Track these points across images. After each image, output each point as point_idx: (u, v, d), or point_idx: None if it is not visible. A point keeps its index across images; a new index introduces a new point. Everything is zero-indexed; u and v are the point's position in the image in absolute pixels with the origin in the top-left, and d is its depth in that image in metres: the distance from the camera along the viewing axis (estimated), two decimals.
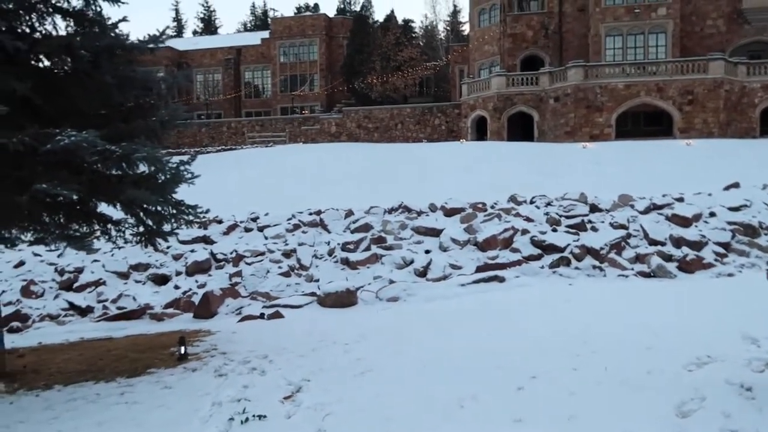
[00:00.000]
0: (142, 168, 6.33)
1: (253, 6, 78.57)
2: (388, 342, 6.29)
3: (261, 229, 16.98)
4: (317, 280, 12.92)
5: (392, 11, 52.17)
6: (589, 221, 14.72)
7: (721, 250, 12.74)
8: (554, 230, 14.31)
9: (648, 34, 34.59)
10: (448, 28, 65.10)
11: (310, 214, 17.73)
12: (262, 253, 14.94)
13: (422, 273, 12.68)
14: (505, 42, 38.87)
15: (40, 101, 5.95)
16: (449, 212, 16.72)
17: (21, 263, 13.38)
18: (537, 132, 34.18)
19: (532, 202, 17.20)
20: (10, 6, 6.16)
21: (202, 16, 76.94)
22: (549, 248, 13.15)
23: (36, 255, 13.76)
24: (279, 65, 53.51)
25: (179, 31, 76.37)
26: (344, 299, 9.46)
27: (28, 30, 6.40)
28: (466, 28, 55.22)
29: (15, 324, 10.07)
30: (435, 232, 15.32)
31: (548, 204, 16.59)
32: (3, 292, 11.57)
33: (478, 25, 42.70)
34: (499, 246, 13.83)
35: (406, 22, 53.88)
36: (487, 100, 35.09)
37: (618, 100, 31.16)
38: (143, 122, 6.41)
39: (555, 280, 10.67)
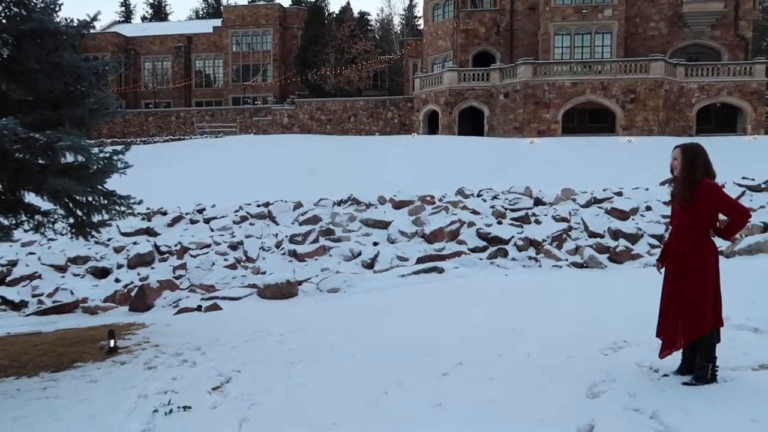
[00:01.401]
0: (70, 158, 6.15)
1: None
2: (322, 332, 6.33)
3: (207, 221, 16.73)
4: (264, 273, 12.82)
5: (348, 3, 51.83)
6: (533, 214, 15.10)
7: (655, 242, 13.28)
8: (499, 223, 14.62)
9: (595, 34, 35.59)
10: (403, 21, 65.27)
11: (258, 206, 17.56)
12: (208, 246, 14.72)
13: (370, 265, 12.76)
14: (458, 37, 39.30)
15: None
16: (398, 205, 16.86)
17: None
18: (487, 127, 34.76)
19: (479, 195, 17.50)
20: None
21: (152, 1, 74.66)
22: (494, 240, 13.44)
23: None
24: (231, 54, 52.61)
25: (127, 16, 73.98)
26: (284, 290, 9.44)
27: None
28: (421, 23, 55.46)
29: None
30: (383, 225, 15.42)
31: (494, 197, 16.92)
32: None
33: (432, 20, 43.00)
34: (446, 238, 14.04)
35: (362, 14, 53.81)
36: (439, 94, 35.45)
37: (565, 97, 31.99)
38: (71, 110, 6.21)
39: (492, 271, 10.93)
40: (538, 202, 16.15)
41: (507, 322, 6.07)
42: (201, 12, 76.48)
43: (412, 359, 5.07)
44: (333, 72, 44.82)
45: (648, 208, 14.97)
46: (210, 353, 5.91)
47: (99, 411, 4.38)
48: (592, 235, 13.57)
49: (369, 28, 55.38)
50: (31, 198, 6.87)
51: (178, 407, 4.32)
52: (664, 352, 4.15)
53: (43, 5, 6.53)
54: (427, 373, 4.68)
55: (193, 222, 16.75)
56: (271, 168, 24.64)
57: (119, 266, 13.84)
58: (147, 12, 75.14)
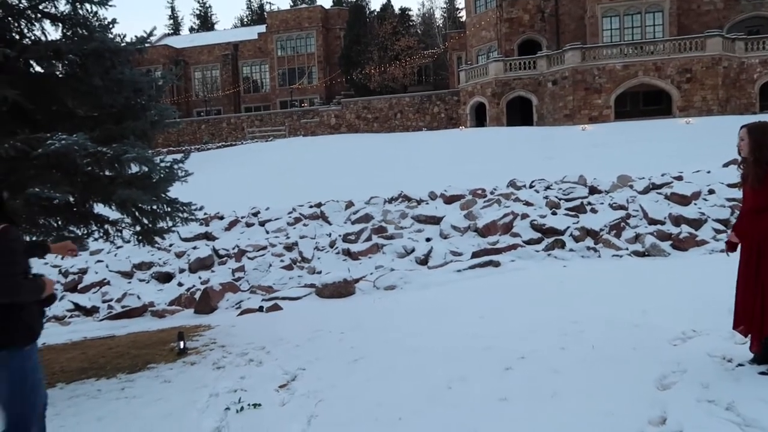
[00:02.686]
0: (135, 168, 6.43)
1: (249, 1, 78.36)
2: (382, 329, 6.40)
3: (262, 224, 17.12)
4: (319, 272, 13.03)
5: (388, 0, 51.94)
6: (589, 203, 14.76)
7: (720, 227, 12.76)
8: (554, 213, 14.36)
9: (645, 14, 34.40)
10: (445, 15, 64.86)
11: (311, 206, 17.84)
12: (264, 248, 15.06)
13: (423, 261, 12.77)
14: (502, 27, 38.74)
15: (31, 106, 6.04)
16: (449, 199, 16.79)
17: None
18: (536, 116, 34.17)
19: (531, 186, 17.24)
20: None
21: (198, 12, 76.93)
22: (549, 231, 13.21)
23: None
24: (277, 59, 53.55)
25: (176, 29, 76.34)
26: (342, 289, 9.58)
27: (17, 36, 6.48)
28: (463, 15, 54.95)
29: None
30: (435, 220, 15.39)
31: (547, 187, 16.62)
32: None
33: (474, 11, 42.55)
34: (499, 231, 13.89)
35: (403, 10, 53.78)
36: (486, 86, 35.06)
37: (616, 81, 31.09)
38: (133, 123, 6.49)
39: (550, 263, 10.75)
40: (593, 190, 15.76)
41: (568, 314, 5.98)
42: (245, 19, 78.16)
43: (474, 354, 5.07)
44: (377, 70, 45.01)
45: (711, 192, 14.39)
46: (275, 352, 6.07)
47: (175, 409, 4.57)
48: (652, 222, 13.14)
49: (411, 23, 55.35)
50: (99, 208, 7.23)
51: (249, 405, 4.47)
52: (754, 345, 3.94)
53: (100, 24, 6.85)
54: (490, 367, 4.67)
55: (248, 225, 17.18)
56: (322, 169, 24.97)
57: (181, 270, 14.35)
58: (194, 23, 77.38)
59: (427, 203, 17.12)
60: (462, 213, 15.59)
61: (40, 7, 6.57)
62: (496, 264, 10.24)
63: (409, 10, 55.00)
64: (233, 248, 15.00)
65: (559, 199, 15.21)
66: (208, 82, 54.83)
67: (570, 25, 37.48)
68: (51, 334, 9.22)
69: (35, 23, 6.68)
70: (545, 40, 38.04)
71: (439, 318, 6.71)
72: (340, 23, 52.83)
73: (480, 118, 36.25)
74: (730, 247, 4.17)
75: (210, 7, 79.33)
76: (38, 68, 6.76)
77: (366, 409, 4.14)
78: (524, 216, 14.20)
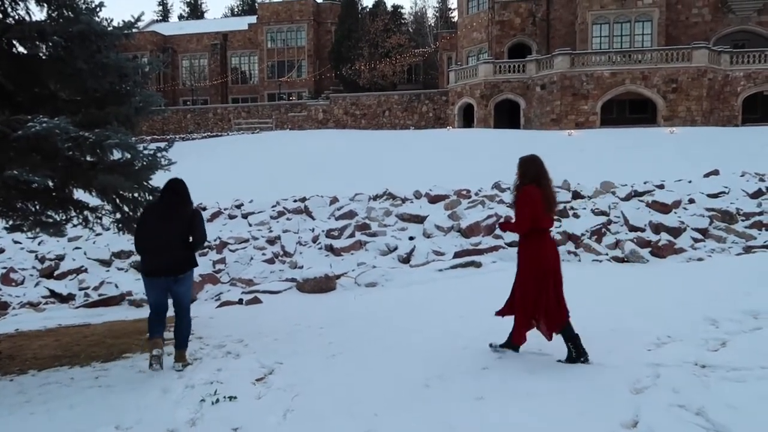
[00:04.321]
0: (117, 155, 6.35)
1: None
2: (361, 326, 6.40)
3: (245, 216, 17.00)
4: (301, 267, 12.96)
5: None
6: (571, 208, 14.87)
7: (698, 236, 12.94)
8: None
9: (634, 23, 34.76)
10: (437, 14, 64.95)
11: (295, 201, 17.76)
12: (246, 240, 14.96)
13: (406, 259, 12.78)
14: (493, 29, 38.90)
15: (12, 87, 5.95)
16: (433, 199, 16.81)
17: (1, 251, 13.35)
18: (523, 119, 34.37)
19: None
20: None
21: (188, 0, 76.00)
22: None
23: (16, 242, 13.73)
24: (266, 51, 53.21)
25: (165, 15, 75.52)
26: (323, 285, 9.56)
27: (0, 16, 6.36)
28: (455, 15, 55.05)
29: None
30: (419, 219, 15.40)
31: None
32: None
33: (466, 11, 42.65)
34: (483, 232, 13.96)
35: (395, 8, 53.71)
36: (474, 87, 35.18)
37: (603, 87, 31.38)
38: (117, 109, 6.41)
39: None
40: (576, 195, 15.90)
41: None
42: (236, 9, 77.53)
43: (453, 353, 5.09)
44: (367, 66, 44.93)
45: (691, 201, 14.59)
46: (253, 345, 6.04)
47: (149, 400, 4.53)
48: (633, 228, 13.28)
49: (402, 21, 55.31)
50: (79, 194, 7.13)
51: (224, 397, 4.44)
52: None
53: (87, 7, 6.74)
54: (468, 366, 4.70)
55: (231, 217, 17.06)
56: (307, 163, 24.89)
57: None
58: (184, 11, 76.58)
59: (412, 202, 17.13)
60: (446, 213, 15.63)
61: None
62: (478, 264, 10.29)
63: (402, 7, 54.93)
64: (215, 240, 14.87)
65: None
66: (196, 71, 54.33)
67: (560, 30, 37.75)
68: (24, 321, 9.10)
69: (20, 2, 6.56)
70: (535, 45, 38.27)
71: (419, 316, 6.72)
72: (331, 17, 52.66)
73: (468, 119, 36.37)
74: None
75: None
76: (21, 49, 6.65)
77: (342, 404, 4.14)
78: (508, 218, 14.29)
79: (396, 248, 13.52)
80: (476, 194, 17.08)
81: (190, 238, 5.48)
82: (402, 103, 40.69)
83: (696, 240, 12.70)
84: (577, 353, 4.61)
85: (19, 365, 5.85)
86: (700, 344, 4.65)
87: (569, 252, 12.01)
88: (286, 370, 5.09)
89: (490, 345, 5.11)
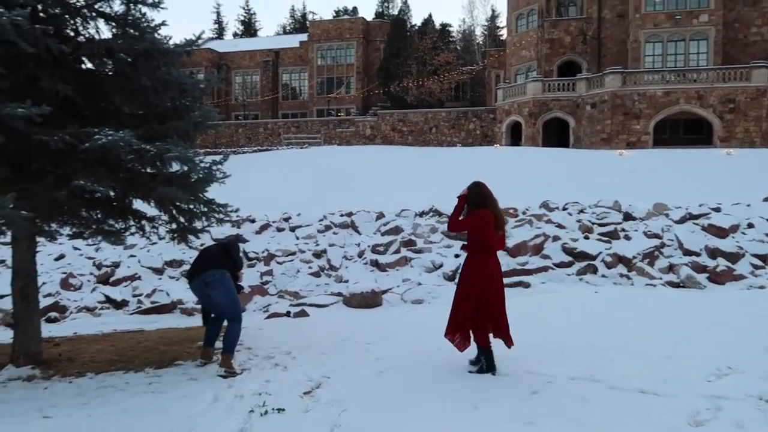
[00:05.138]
0: (175, 167, 6.56)
1: (293, 9, 79.81)
2: (408, 343, 6.37)
3: (293, 229, 17.23)
4: (346, 281, 13.05)
5: (430, 15, 52.28)
6: (623, 229, 14.50)
7: (758, 262, 12.40)
8: (586, 237, 14.15)
9: (689, 41, 33.86)
10: (485, 32, 64.88)
11: (342, 215, 17.90)
12: (293, 253, 15.15)
13: (451, 277, 12.70)
14: (543, 47, 38.58)
15: (81, 102, 6.23)
16: None
17: (61, 256, 13.91)
18: (572, 138, 33.84)
19: (564, 209, 17.03)
20: (57, 11, 6.47)
21: (242, 18, 78.46)
22: (580, 255, 13.02)
23: (76, 249, 14.28)
24: (316, 68, 54.16)
25: (220, 33, 78.01)
26: (369, 300, 9.58)
27: (72, 34, 6.70)
28: (503, 33, 54.93)
29: (53, 314, 10.50)
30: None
31: (581, 211, 16.40)
32: (43, 284, 12.04)
33: (515, 30, 42.47)
34: (530, 252, 13.75)
35: (444, 26, 53.97)
36: (523, 105, 34.88)
37: (656, 107, 30.62)
38: (177, 123, 6.63)
39: (581, 287, 10.57)
40: (627, 216, 15.49)
41: (599, 341, 5.87)
42: (288, 27, 79.46)
43: (503, 376, 5.00)
44: (415, 84, 45.17)
45: (750, 226, 14.01)
46: (300, 358, 6.10)
47: (200, 408, 4.62)
48: (687, 253, 12.84)
49: (451, 39, 55.50)
50: (137, 205, 7.39)
51: (273, 409, 4.49)
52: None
53: (149, 25, 7.03)
54: (517, 389, 4.62)
55: (279, 230, 17.31)
56: (354, 178, 25.10)
57: None
58: (238, 29, 78.96)
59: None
60: None
61: (96, 6, 6.77)
62: (526, 285, 10.12)
63: (450, 26, 55.14)
64: (263, 252, 15.12)
65: (592, 224, 14.99)
66: (248, 86, 55.77)
67: (612, 48, 37.12)
68: (82, 325, 9.44)
69: (90, 21, 6.89)
70: (585, 63, 37.74)
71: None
72: (380, 35, 53.29)
73: (515, 137, 36.05)
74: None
75: (254, 13, 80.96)
76: (89, 65, 6.97)
77: (390, 422, 4.12)
78: (556, 238, 14.03)
79: (441, 265, 13.45)
80: (524, 213, 16.85)
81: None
82: (449, 120, 40.68)
83: (756, 267, 12.16)
84: (488, 366, 5.12)
85: (78, 368, 6.07)
86: (764, 377, 4.43)
87: (621, 275, 11.69)
88: (334, 385, 5.10)
89: (470, 371, 5.27)
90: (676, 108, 30.43)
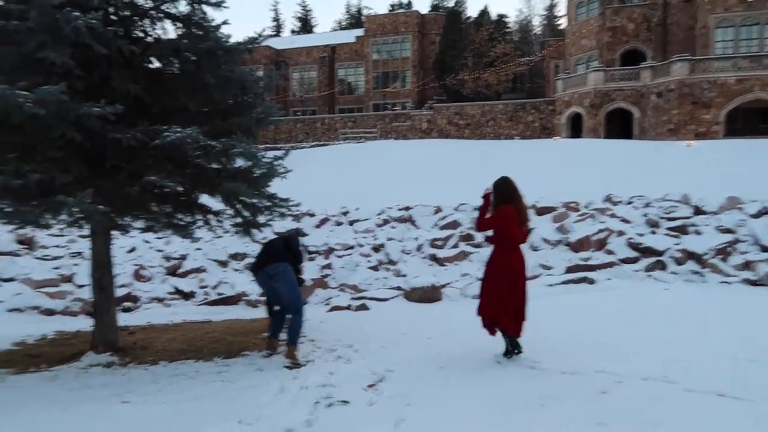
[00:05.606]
0: (239, 162, 6.71)
1: (348, 5, 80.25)
2: (469, 338, 6.28)
3: (351, 223, 17.40)
4: (405, 275, 13.07)
5: (485, 7, 51.53)
6: (693, 224, 13.87)
7: None
8: (653, 232, 13.64)
9: (764, 25, 31.94)
10: (543, 22, 63.36)
11: (400, 209, 17.93)
12: (352, 247, 15.29)
13: None
14: (604, 36, 37.30)
15: (150, 100, 6.46)
16: (540, 211, 16.35)
17: (133, 249, 14.51)
18: (637, 129, 32.61)
19: (629, 203, 16.47)
20: (127, 13, 6.72)
21: (299, 15, 79.56)
22: (646, 251, 12.56)
23: (146, 242, 14.87)
24: (372, 62, 54.32)
25: (278, 30, 79.46)
26: (429, 294, 9.55)
27: (141, 35, 6.94)
28: (562, 23, 53.48)
29: (127, 304, 10.98)
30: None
31: (647, 205, 15.81)
32: (117, 275, 12.60)
33: (575, 18, 41.24)
34: (593, 247, 13.38)
35: (500, 17, 52.99)
36: (584, 96, 33.87)
37: (728, 95, 29.08)
38: (240, 119, 6.77)
39: (649, 284, 10.17)
40: (697, 211, 14.81)
41: (673, 340, 5.63)
42: (344, 23, 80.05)
43: (570, 374, 4.87)
44: (471, 76, 44.61)
45: None
46: (362, 351, 6.13)
47: (267, 398, 4.71)
48: (765, 249, 12.15)
49: (507, 30, 54.45)
50: (203, 199, 7.60)
51: (338, 401, 4.53)
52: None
53: (210, 24, 7.19)
54: (585, 388, 4.48)
55: (338, 224, 17.51)
56: (411, 172, 25.06)
57: None
58: (295, 26, 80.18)
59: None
60: (554, 226, 15.15)
61: (162, 8, 6.99)
62: (591, 281, 9.84)
63: (506, 16, 54.05)
64: (322, 245, 15.32)
65: (660, 218, 14.41)
66: (305, 82, 56.53)
67: (678, 35, 35.48)
68: (154, 314, 9.84)
69: (157, 22, 7.12)
70: (650, 51, 36.23)
71: (530, 333, 6.51)
72: (436, 28, 52.87)
73: (576, 129, 35.05)
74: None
75: (311, 10, 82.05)
76: (156, 64, 7.21)
77: (454, 417, 4.08)
78: (620, 233, 13.57)
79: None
80: (586, 207, 16.40)
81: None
82: (506, 113, 39.97)
83: None
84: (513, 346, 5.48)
85: (152, 356, 6.32)
86: None
87: (692, 272, 11.19)
88: (396, 379, 5.10)
89: (498, 362, 5.49)
90: (750, 96, 28.79)
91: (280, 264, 6.17)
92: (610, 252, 12.82)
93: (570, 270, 11.26)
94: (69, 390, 5.17)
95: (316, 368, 5.56)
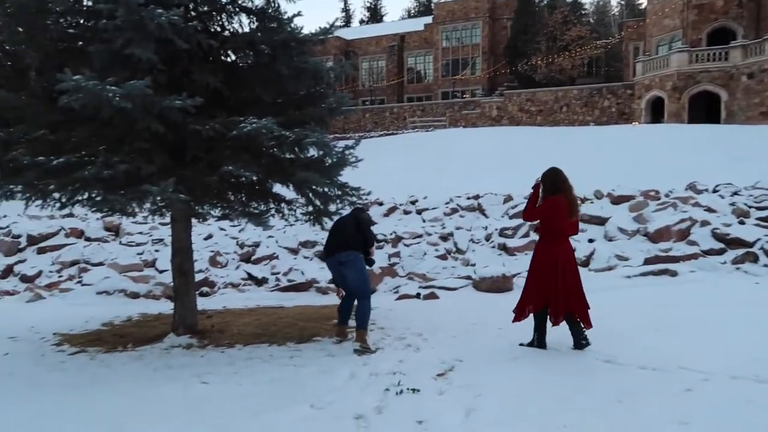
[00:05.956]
0: (312, 152, 6.82)
1: None
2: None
3: (419, 212, 17.37)
4: (473, 265, 12.95)
5: None
6: None
7: None
8: (741, 223, 12.82)
9: None
10: (621, 2, 60.54)
11: (468, 198, 17.72)
12: (420, 236, 15.27)
13: (584, 263, 12.14)
14: (689, 14, 35.21)
15: (227, 92, 6.66)
16: (617, 200, 15.74)
17: (209, 236, 15.12)
18: (725, 113, 30.70)
19: (714, 191, 15.57)
20: (205, 8, 6.96)
21: (368, 5, 79.72)
22: (734, 242, 11.83)
23: (221, 229, 15.45)
24: (441, 50, 53.84)
25: (347, 21, 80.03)
26: (500, 284, 9.41)
27: (219, 29, 7.17)
28: (642, 2, 50.89)
29: (204, 289, 11.47)
30: (600, 221, 14.53)
31: (735, 193, 14.89)
32: (195, 260, 13.19)
33: None
34: (673, 237, 12.74)
35: None
36: (666, 78, 32.19)
37: None
38: (313, 110, 6.87)
39: (738, 278, 9.58)
40: None
41: (764, 340, 5.28)
42: (413, 11, 79.61)
43: (651, 370, 4.67)
44: (544, 61, 43.33)
45: None
46: (431, 340, 6.13)
47: (338, 383, 4.80)
48: None
49: (583, 12, 52.42)
50: (276, 188, 7.80)
51: (408, 389, 4.54)
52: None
53: (287, 18, 7.32)
54: (666, 385, 4.28)
55: (406, 213, 17.52)
56: (481, 160, 24.72)
57: None
58: (364, 15, 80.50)
59: (592, 202, 16.17)
60: (631, 215, 14.54)
61: (239, 2, 7.18)
62: (673, 273, 9.38)
63: None
64: (390, 234, 15.39)
65: (749, 207, 13.53)
66: (374, 72, 56.78)
67: None
68: (229, 299, 10.23)
69: (234, 16, 7.33)
70: (741, 29, 33.88)
71: (605, 325, 6.29)
72: (507, 13, 51.65)
73: (656, 114, 33.40)
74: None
75: None
76: (232, 57, 7.42)
77: (527, 410, 4.00)
78: (704, 223, 12.85)
79: (574, 250, 12.89)
80: (666, 195, 15.63)
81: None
82: (581, 98, 38.61)
83: None
84: (539, 342, 5.55)
85: (228, 339, 6.58)
86: None
87: None
88: (467, 369, 5.07)
89: (520, 344, 5.73)
90: None
91: (351, 252, 6.25)
92: (692, 243, 12.17)
93: (649, 261, 10.78)
94: (154, 369, 5.46)
95: (386, 356, 5.60)
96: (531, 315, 5.59)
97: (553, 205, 5.34)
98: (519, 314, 5.65)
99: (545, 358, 5.23)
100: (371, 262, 6.67)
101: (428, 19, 57.19)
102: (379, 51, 57.42)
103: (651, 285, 8.71)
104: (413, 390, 4.52)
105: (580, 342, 5.40)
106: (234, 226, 15.05)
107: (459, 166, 24.31)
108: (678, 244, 12.42)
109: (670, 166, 19.52)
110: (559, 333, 5.59)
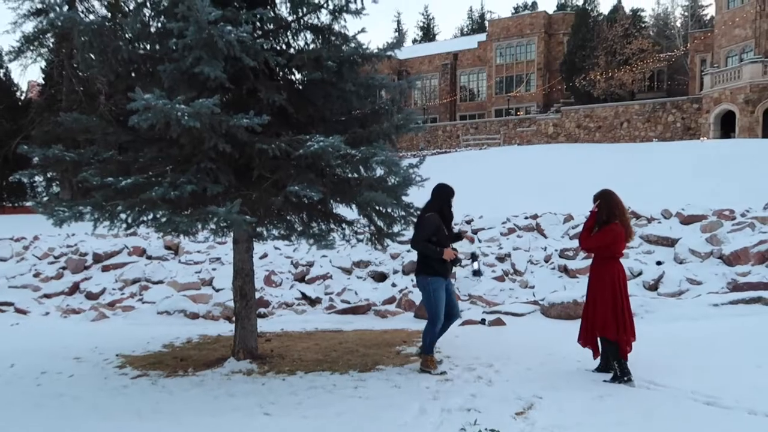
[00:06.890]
0: (378, 171, 6.59)
1: (470, 10, 79.65)
2: (630, 364, 5.66)
3: (475, 232, 16.91)
4: (532, 287, 12.43)
5: (619, 1, 48.43)
6: None
7: None
8: None
9: None
10: (685, 13, 58.59)
11: (526, 218, 17.16)
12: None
13: (653, 287, 11.48)
14: (763, 23, 33.60)
15: (292, 110, 6.53)
16: (687, 219, 14.88)
17: (264, 255, 15.12)
18: None
19: None
20: (271, 26, 6.88)
21: (421, 24, 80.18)
22: None
23: (276, 248, 15.44)
24: (495, 67, 53.37)
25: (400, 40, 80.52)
26: (570, 311, 8.89)
27: (285, 47, 7.08)
28: (708, 12, 49.12)
29: (262, 310, 11.37)
30: (668, 242, 13.74)
31: None
32: None
33: (726, 6, 37.60)
34: (752, 261, 11.86)
35: (635, 11, 49.65)
36: (737, 91, 30.70)
37: None
38: (379, 127, 6.65)
39: None
40: None
41: None
42: (466, 29, 79.45)
43: (763, 416, 4.15)
44: (603, 76, 42.20)
45: None
46: (504, 372, 5.73)
47: (409, 419, 4.48)
48: None
49: (643, 24, 50.91)
50: (337, 209, 7.59)
51: (486, 429, 4.18)
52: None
53: (352, 35, 7.16)
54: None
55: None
56: (538, 179, 24.06)
57: (395, 271, 14.74)
58: (417, 35, 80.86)
59: (659, 222, 15.36)
60: (703, 236, 13.68)
61: (304, 19, 7.07)
62: (767, 302, 8.63)
63: (642, 10, 50.47)
64: None
65: None
66: (427, 90, 56.73)
67: None
68: (287, 321, 10.07)
69: (299, 34, 7.23)
70: None
71: (699, 358, 5.76)
72: (563, 28, 50.77)
73: (726, 129, 31.85)
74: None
75: (433, 18, 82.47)
76: (298, 75, 7.31)
77: None
78: None
79: (641, 273, 12.20)
80: (742, 215, 14.67)
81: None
82: (643, 114, 37.27)
83: None
84: (621, 373, 5.23)
85: (289, 365, 6.36)
86: None
87: None
88: (548, 407, 4.66)
89: (604, 380, 5.38)
90: None
91: (418, 277, 6.02)
92: None
93: (737, 288, 10.02)
94: (215, 397, 5.28)
95: (457, 389, 5.24)
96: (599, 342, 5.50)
97: (610, 233, 5.41)
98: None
99: (635, 396, 4.75)
100: (475, 273, 6.49)
101: (482, 37, 56.87)
102: (432, 69, 57.38)
103: (743, 315, 8.01)
104: (492, 431, 4.16)
105: (623, 378, 5.27)
106: (288, 245, 15.01)
107: (515, 184, 23.73)
108: (757, 267, 11.56)
109: (744, 183, 18.42)
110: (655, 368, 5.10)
